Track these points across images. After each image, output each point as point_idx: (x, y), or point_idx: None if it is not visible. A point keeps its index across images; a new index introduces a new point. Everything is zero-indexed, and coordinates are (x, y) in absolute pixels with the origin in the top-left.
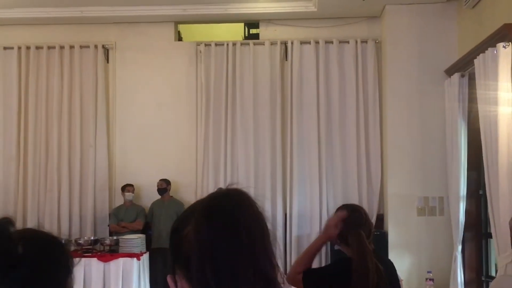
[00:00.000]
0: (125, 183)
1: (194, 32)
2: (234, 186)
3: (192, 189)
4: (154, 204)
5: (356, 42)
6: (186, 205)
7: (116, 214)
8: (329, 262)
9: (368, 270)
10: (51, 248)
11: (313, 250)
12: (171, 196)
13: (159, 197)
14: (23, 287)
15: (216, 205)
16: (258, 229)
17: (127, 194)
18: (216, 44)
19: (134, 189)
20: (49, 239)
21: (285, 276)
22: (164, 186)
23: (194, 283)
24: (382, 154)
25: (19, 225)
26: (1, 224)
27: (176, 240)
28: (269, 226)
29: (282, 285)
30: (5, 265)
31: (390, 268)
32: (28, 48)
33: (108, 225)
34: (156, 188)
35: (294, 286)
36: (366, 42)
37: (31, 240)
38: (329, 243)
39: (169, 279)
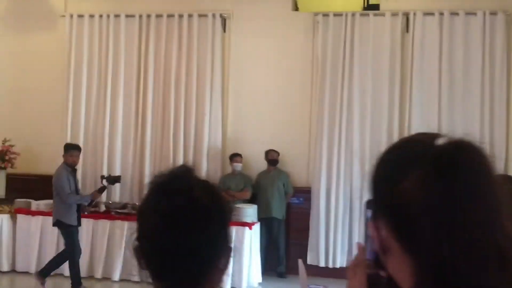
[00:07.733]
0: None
1: (311, 1)
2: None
3: (303, 161)
4: (260, 175)
5: (484, 13)
6: (291, 176)
7: (224, 182)
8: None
9: None
10: (219, 197)
11: None
12: (276, 166)
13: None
14: (215, 238)
15: (452, 159)
16: (493, 194)
17: (235, 164)
18: (334, 15)
19: (242, 159)
20: (216, 189)
21: None
22: (276, 157)
23: (421, 255)
24: (508, 139)
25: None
26: (188, 171)
27: (386, 191)
28: None
29: None
30: (202, 216)
31: None
32: (148, 16)
33: None
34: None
35: None
36: (495, 14)
37: (205, 189)
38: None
39: (372, 225)
